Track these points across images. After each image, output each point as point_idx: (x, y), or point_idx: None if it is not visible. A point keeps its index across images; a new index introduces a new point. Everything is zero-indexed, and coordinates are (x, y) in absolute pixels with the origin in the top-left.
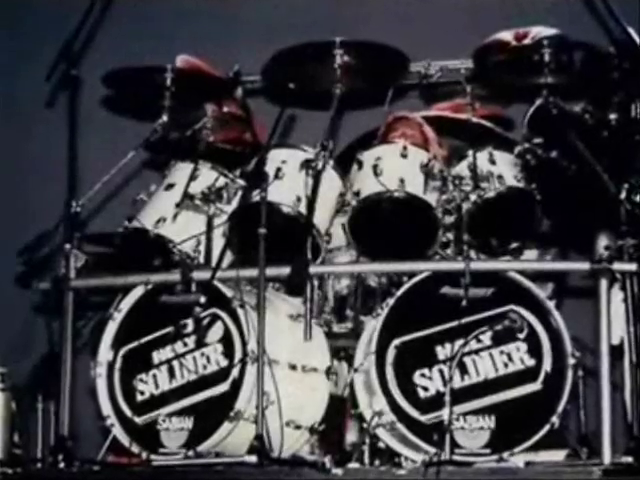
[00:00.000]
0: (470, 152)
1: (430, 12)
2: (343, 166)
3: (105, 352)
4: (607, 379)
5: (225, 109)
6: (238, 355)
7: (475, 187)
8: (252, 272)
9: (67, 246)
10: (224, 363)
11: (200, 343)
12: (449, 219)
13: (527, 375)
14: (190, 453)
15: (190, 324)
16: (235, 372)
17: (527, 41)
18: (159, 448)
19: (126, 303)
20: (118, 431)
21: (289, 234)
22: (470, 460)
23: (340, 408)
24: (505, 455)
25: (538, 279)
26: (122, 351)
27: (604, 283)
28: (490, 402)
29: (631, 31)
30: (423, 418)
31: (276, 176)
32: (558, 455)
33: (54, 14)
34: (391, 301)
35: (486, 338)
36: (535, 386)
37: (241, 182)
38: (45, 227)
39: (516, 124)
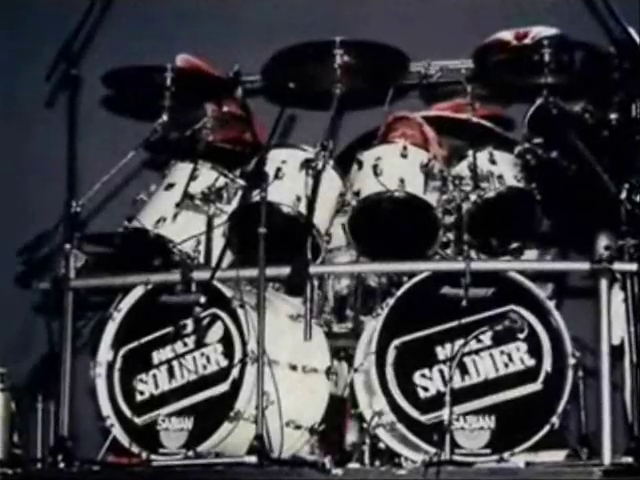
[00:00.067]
0: (470, 152)
1: (430, 12)
2: (343, 166)
3: (105, 352)
4: (607, 379)
5: (225, 109)
6: (238, 355)
7: (475, 187)
8: (252, 272)
9: (67, 246)
10: (224, 363)
11: (200, 343)
12: (449, 219)
13: (527, 375)
14: (190, 453)
15: (190, 324)
16: (235, 372)
17: (527, 41)
18: (159, 448)
19: (126, 303)
20: (118, 431)
21: (289, 234)
22: (470, 460)
23: (340, 408)
24: (505, 455)
25: (538, 279)
26: (122, 351)
27: (604, 283)
28: (490, 402)
29: (631, 31)
30: (423, 418)
31: (276, 176)
32: (558, 455)
33: (54, 14)
34: (391, 301)
35: (486, 338)
36: (535, 386)
37: (241, 182)
38: (45, 227)
39: (516, 124)
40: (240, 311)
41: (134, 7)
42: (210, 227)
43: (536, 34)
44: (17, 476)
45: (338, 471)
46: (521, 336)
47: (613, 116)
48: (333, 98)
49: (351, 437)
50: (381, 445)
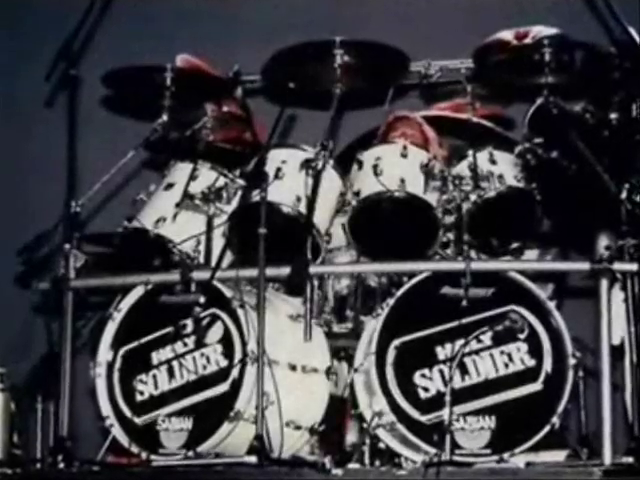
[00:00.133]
0: (470, 152)
1: (430, 12)
2: (343, 166)
3: (105, 352)
4: (608, 379)
5: (225, 109)
6: (238, 355)
7: (475, 187)
8: (252, 272)
9: (67, 246)
10: (224, 363)
11: (200, 343)
12: (449, 219)
13: (527, 375)
14: (190, 453)
15: (190, 324)
16: (235, 372)
17: (527, 41)
18: (159, 448)
19: (126, 303)
20: (118, 431)
21: (289, 234)
22: (470, 460)
23: (340, 408)
24: (505, 455)
25: (538, 279)
26: (122, 351)
27: (604, 283)
28: (490, 402)
29: (632, 31)
30: (423, 418)
31: (276, 176)
32: (559, 455)
33: (54, 14)
34: (391, 301)
35: (486, 338)
36: (535, 386)
37: (241, 182)
38: (45, 227)
39: (516, 124)
40: (240, 311)
41: (134, 7)
42: (210, 227)
43: (536, 34)
44: (17, 476)
45: (338, 471)
46: (521, 336)
47: (613, 116)
48: (333, 98)
49: (351, 437)
50: (381, 445)
